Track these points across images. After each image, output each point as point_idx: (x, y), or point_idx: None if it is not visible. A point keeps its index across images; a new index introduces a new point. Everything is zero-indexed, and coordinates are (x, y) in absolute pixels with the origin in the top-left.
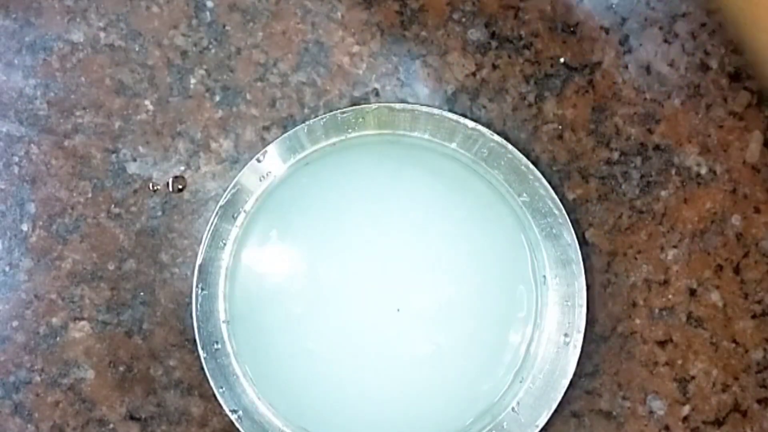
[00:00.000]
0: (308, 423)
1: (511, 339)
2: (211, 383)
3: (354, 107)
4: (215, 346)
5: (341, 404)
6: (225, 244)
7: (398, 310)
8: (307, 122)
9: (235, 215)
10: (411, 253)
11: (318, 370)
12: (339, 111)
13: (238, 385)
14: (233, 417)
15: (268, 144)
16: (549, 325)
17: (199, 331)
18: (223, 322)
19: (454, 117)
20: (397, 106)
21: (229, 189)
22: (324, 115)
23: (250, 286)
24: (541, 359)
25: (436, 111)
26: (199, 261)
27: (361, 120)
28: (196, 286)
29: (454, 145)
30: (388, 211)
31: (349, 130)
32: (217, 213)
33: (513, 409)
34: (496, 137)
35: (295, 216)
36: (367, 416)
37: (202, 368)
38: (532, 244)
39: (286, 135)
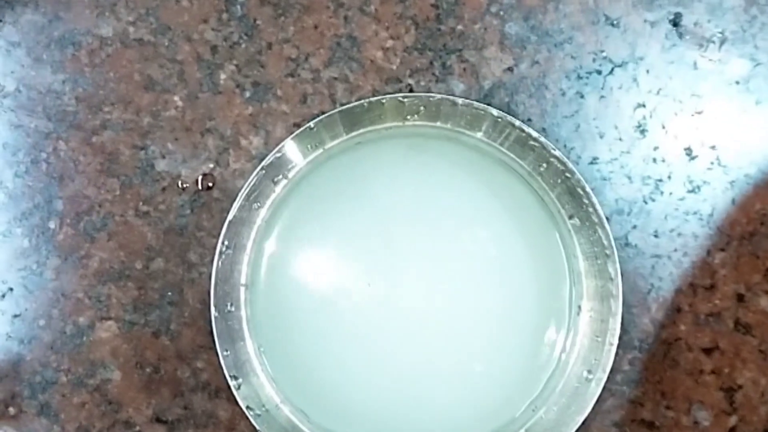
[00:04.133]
0: (309, 407)
1: (534, 364)
2: (216, 344)
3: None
4: (229, 308)
5: (347, 395)
6: (260, 206)
7: (424, 313)
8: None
9: (277, 179)
10: (445, 258)
11: (331, 359)
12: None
13: (243, 352)
14: (232, 383)
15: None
16: (574, 358)
17: (215, 289)
18: (242, 285)
19: (500, 115)
20: (459, 100)
21: (273, 152)
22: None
23: (278, 254)
24: (559, 392)
25: (495, 111)
26: (230, 217)
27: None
28: (222, 243)
29: (504, 149)
30: (428, 211)
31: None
32: (258, 173)
33: None
34: (558, 153)
35: (339, 200)
36: (368, 414)
37: (211, 331)
38: (573, 271)
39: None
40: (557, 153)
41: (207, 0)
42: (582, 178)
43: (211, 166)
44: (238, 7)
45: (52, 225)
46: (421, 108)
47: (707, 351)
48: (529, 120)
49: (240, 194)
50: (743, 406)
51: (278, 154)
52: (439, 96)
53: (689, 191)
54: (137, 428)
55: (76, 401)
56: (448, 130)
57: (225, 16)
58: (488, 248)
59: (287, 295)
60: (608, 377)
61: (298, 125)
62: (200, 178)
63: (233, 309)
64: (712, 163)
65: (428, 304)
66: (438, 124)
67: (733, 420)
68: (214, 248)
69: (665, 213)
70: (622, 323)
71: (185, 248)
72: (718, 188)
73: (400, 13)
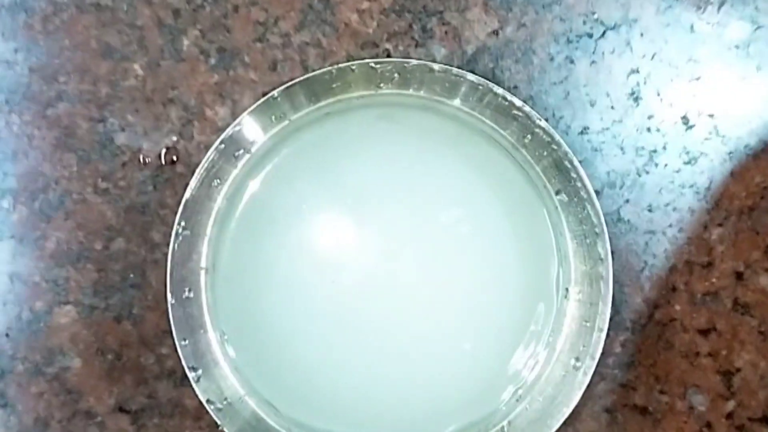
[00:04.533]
0: (278, 399)
1: (518, 352)
2: (174, 333)
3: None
4: (186, 294)
5: (320, 384)
6: (221, 184)
7: (400, 296)
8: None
9: (238, 154)
10: (422, 237)
11: (302, 347)
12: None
13: (203, 341)
14: (191, 375)
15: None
16: (561, 345)
17: (171, 274)
18: (202, 268)
19: (480, 81)
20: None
21: (233, 125)
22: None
23: (241, 235)
24: (544, 381)
25: (472, 77)
26: (186, 195)
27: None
28: (178, 224)
29: (485, 118)
30: (403, 187)
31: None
32: (217, 147)
33: (503, 428)
34: (543, 123)
35: (307, 176)
36: (343, 404)
37: (167, 315)
38: (561, 251)
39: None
40: (543, 123)
41: None
42: (570, 151)
43: (175, 139)
44: None
45: (5, 204)
46: (396, 75)
47: (703, 332)
48: (516, 87)
49: (198, 171)
50: (741, 390)
51: (237, 127)
52: (414, 62)
53: (685, 163)
54: (99, 418)
55: (34, 391)
56: (425, 99)
57: None
58: (469, 225)
59: (253, 279)
60: (599, 360)
61: (266, 94)
62: (163, 152)
63: (191, 295)
64: (710, 132)
65: (405, 285)
66: (411, 91)
67: (730, 405)
68: None
69: (660, 186)
70: (614, 303)
71: (147, 227)
72: (715, 160)
73: None
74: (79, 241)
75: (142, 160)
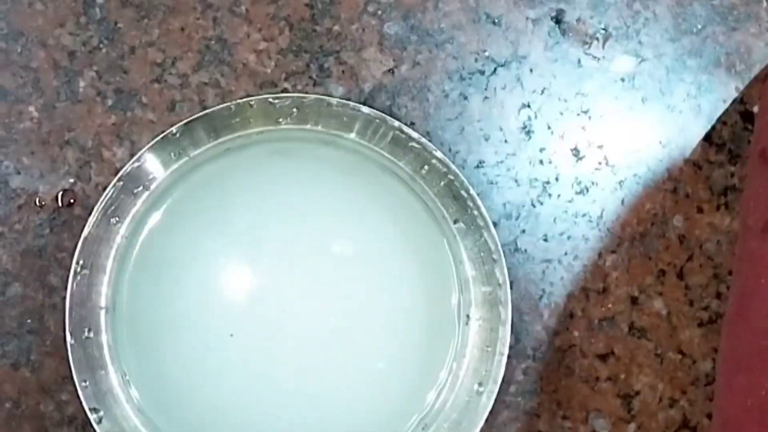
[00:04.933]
0: None
1: (421, 380)
2: (74, 374)
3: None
4: (86, 334)
5: (227, 423)
6: (119, 222)
7: (303, 330)
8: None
9: (137, 191)
10: (323, 269)
11: (208, 385)
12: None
13: (105, 381)
14: (92, 416)
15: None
16: (464, 371)
17: (70, 314)
18: (102, 308)
19: (377, 115)
20: (334, 100)
21: (131, 162)
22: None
23: (141, 274)
24: (449, 407)
25: (367, 110)
26: (84, 233)
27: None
28: (76, 262)
29: (380, 149)
30: (297, 218)
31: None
32: (115, 184)
33: None
34: (439, 154)
35: (205, 213)
36: None
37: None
38: (461, 278)
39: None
40: (438, 154)
41: (63, 3)
42: (465, 180)
43: (72, 181)
44: (97, 9)
45: None
46: (294, 110)
47: (602, 357)
48: (413, 123)
49: (96, 208)
50: (641, 413)
51: (136, 164)
52: (312, 96)
53: (577, 193)
54: None
55: None
56: (323, 133)
57: (83, 19)
58: (369, 255)
59: (154, 318)
60: (502, 389)
61: None
62: (60, 194)
63: (92, 335)
64: (599, 163)
65: (307, 319)
66: (309, 126)
67: (631, 428)
68: None
69: (554, 216)
70: (515, 332)
71: (45, 271)
72: (606, 189)
73: (273, 14)
74: None
75: (38, 203)
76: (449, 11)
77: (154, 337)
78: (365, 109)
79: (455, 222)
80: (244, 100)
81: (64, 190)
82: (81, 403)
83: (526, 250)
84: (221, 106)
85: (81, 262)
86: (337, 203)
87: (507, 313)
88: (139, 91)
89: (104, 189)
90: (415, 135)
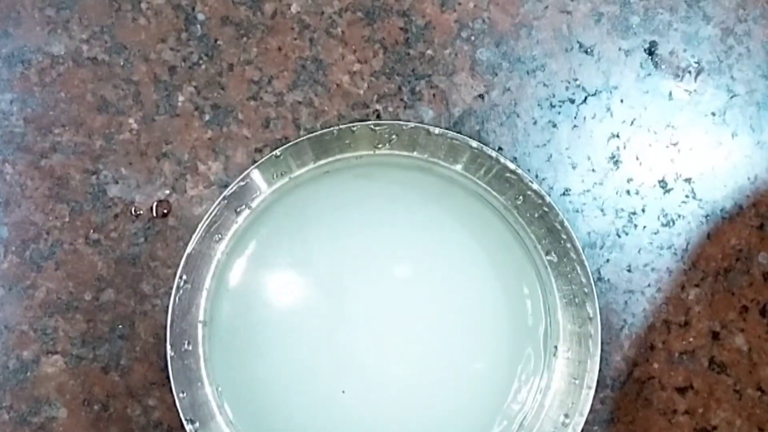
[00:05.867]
0: None
1: (507, 407)
2: (173, 385)
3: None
4: (186, 347)
5: None
6: (222, 238)
7: (393, 351)
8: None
9: (239, 209)
10: (415, 295)
11: (298, 401)
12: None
13: (201, 393)
14: (188, 427)
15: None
16: (550, 401)
17: (171, 326)
18: (200, 321)
19: (491, 153)
20: (447, 132)
21: (237, 181)
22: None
23: (240, 289)
24: None
25: (474, 143)
26: (188, 250)
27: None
28: (179, 277)
29: (484, 184)
30: (399, 245)
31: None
32: (220, 202)
33: None
34: (535, 186)
35: (305, 232)
36: None
37: (165, 368)
38: (550, 309)
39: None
40: (535, 186)
41: (165, 18)
42: (560, 213)
43: (167, 192)
44: (198, 26)
45: None
46: (393, 136)
47: (681, 390)
48: (500, 149)
49: (200, 226)
50: None
51: (242, 183)
52: (412, 124)
53: (663, 225)
54: None
55: None
56: (420, 160)
57: (184, 35)
58: (460, 285)
59: (249, 332)
60: None
61: (259, 150)
62: (155, 204)
63: (190, 347)
64: (687, 196)
65: (397, 340)
66: (415, 154)
67: None
68: (169, 279)
69: (639, 247)
70: None
71: (138, 279)
72: (692, 222)
73: (368, 36)
74: (69, 291)
75: (134, 212)
76: (542, 39)
77: (248, 352)
78: (472, 142)
79: (547, 254)
80: (347, 125)
81: (159, 201)
82: (168, 408)
83: (609, 280)
84: (324, 130)
85: (184, 277)
86: (430, 230)
87: (596, 347)
88: (236, 108)
89: (199, 201)
90: (512, 166)
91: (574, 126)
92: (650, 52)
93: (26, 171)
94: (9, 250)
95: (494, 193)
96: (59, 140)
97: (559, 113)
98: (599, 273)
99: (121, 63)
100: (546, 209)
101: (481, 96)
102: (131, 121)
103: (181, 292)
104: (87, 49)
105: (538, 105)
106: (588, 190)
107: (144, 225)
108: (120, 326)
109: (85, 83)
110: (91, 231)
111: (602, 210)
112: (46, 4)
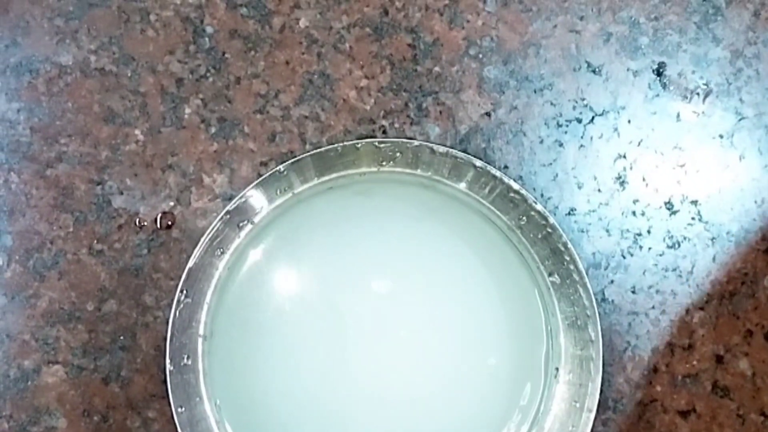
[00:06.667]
0: None
1: (506, 428)
2: (171, 400)
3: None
4: (185, 361)
5: None
6: (223, 253)
7: (393, 367)
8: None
9: (242, 224)
10: (412, 309)
11: (297, 419)
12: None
13: (199, 409)
14: None
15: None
16: (550, 424)
17: (171, 341)
18: (200, 336)
19: (495, 172)
20: (440, 148)
21: (239, 197)
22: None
23: (241, 305)
24: None
25: (478, 162)
26: (190, 264)
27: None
28: (180, 291)
29: (487, 203)
30: (402, 262)
31: (384, 163)
32: (222, 217)
33: None
34: (539, 207)
35: (307, 247)
36: None
37: (165, 381)
38: (552, 331)
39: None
40: (539, 207)
41: (174, 30)
42: (564, 234)
43: (172, 204)
44: (207, 39)
45: None
46: (398, 154)
47: (683, 414)
48: (506, 167)
49: (202, 240)
50: None
51: (244, 199)
52: (416, 142)
53: (669, 247)
54: None
55: None
56: (424, 178)
57: (192, 47)
58: (461, 303)
59: (249, 348)
60: None
61: (265, 164)
62: (159, 216)
63: (190, 362)
64: (693, 218)
65: (399, 358)
66: (419, 171)
67: None
68: (171, 291)
69: (644, 268)
70: None
71: (140, 290)
72: (698, 245)
73: (376, 52)
74: (71, 302)
75: (138, 223)
76: (550, 58)
77: (247, 367)
78: (475, 161)
79: (550, 275)
80: (351, 142)
81: (164, 213)
82: (167, 421)
83: (613, 301)
84: (329, 146)
85: (185, 291)
86: (430, 245)
87: (598, 371)
88: (242, 121)
89: (203, 214)
90: (516, 186)
91: (581, 146)
92: (659, 73)
93: (32, 180)
94: (13, 259)
95: (498, 213)
96: (65, 150)
97: (565, 132)
98: (603, 294)
99: (129, 74)
100: (550, 230)
101: (487, 114)
102: (137, 132)
103: (181, 306)
104: (95, 60)
105: (545, 124)
106: (594, 210)
107: (148, 236)
108: (121, 337)
109: (92, 94)
110: (95, 241)
111: (608, 230)
112: (56, 14)
